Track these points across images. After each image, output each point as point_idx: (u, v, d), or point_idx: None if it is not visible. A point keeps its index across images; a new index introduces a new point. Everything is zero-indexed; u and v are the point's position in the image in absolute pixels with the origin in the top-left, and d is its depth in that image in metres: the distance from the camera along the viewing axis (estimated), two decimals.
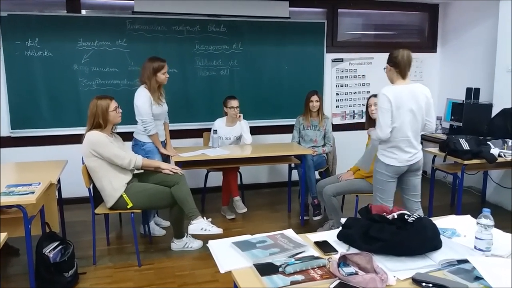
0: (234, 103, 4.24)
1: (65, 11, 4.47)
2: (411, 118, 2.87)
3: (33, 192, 2.59)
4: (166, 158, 3.88)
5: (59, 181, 3.35)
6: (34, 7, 4.42)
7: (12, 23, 4.20)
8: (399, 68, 2.87)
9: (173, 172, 3.33)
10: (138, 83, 3.65)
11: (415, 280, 1.50)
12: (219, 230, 3.21)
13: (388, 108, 2.82)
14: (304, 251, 1.76)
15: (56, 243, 2.86)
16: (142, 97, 3.53)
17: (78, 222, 4.04)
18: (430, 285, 1.46)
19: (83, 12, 4.55)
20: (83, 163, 3.17)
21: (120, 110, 3.21)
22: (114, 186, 3.13)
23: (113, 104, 3.15)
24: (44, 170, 3.18)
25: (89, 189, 3.18)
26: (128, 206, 3.15)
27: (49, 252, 2.76)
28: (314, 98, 4.28)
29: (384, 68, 2.99)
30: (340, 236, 1.86)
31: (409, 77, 2.92)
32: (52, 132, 4.46)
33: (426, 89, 2.93)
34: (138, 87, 3.62)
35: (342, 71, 5.42)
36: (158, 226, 3.87)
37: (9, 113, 4.32)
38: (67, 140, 4.42)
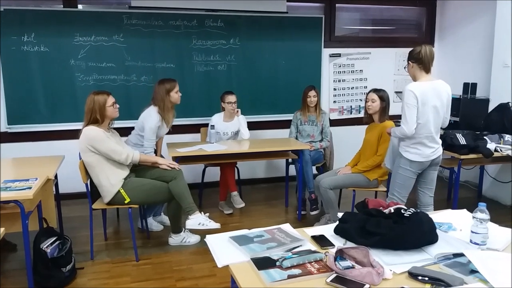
0: (232, 98, 4.23)
1: (62, 6, 4.44)
2: (435, 115, 2.90)
3: (30, 188, 2.58)
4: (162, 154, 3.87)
5: (56, 176, 3.34)
6: (30, 2, 4.39)
7: (8, 18, 4.18)
8: (423, 64, 2.87)
9: (171, 167, 3.33)
10: (150, 103, 3.60)
11: (411, 274, 1.51)
12: (216, 225, 3.22)
13: (415, 104, 2.83)
14: (301, 245, 1.77)
15: (54, 239, 2.86)
16: (152, 121, 3.48)
17: (76, 217, 4.04)
18: (426, 278, 1.47)
19: (80, 7, 4.51)
20: (80, 158, 3.17)
21: (117, 106, 3.20)
22: (111, 181, 3.13)
23: (111, 100, 3.13)
24: (41, 166, 3.17)
25: (86, 184, 3.17)
26: (126, 202, 3.15)
27: (46, 247, 2.76)
28: (312, 93, 4.27)
29: (405, 67, 3.01)
30: (337, 231, 1.87)
31: (432, 73, 2.93)
32: (49, 127, 4.45)
33: (447, 86, 2.95)
34: (148, 107, 3.58)
35: (340, 66, 5.42)
36: (155, 222, 3.86)
37: (6, 109, 4.30)
38: (64, 136, 4.41)
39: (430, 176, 3.09)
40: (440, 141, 3.04)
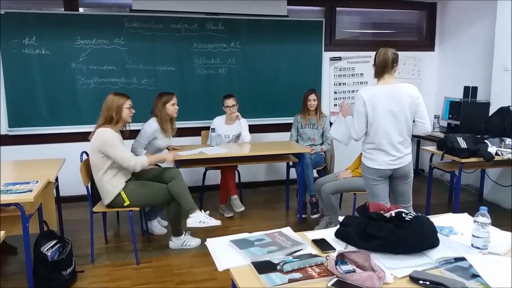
0: (229, 102, 4.23)
1: (63, 9, 4.45)
2: (391, 119, 2.72)
3: (31, 191, 2.58)
4: None
5: (57, 179, 3.34)
6: (32, 5, 4.40)
7: (10, 21, 4.19)
8: (378, 68, 2.75)
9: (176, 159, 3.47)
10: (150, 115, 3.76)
11: (412, 278, 1.50)
12: (217, 222, 3.23)
13: (363, 112, 2.73)
14: (302, 249, 1.77)
15: (54, 242, 2.85)
16: (149, 126, 3.68)
17: (76, 220, 4.03)
18: (428, 283, 1.46)
19: (81, 10, 4.53)
20: (81, 161, 3.17)
21: (133, 111, 3.25)
22: (113, 183, 3.13)
23: (129, 102, 3.21)
24: (42, 169, 3.17)
25: (87, 187, 3.17)
26: (125, 204, 3.15)
27: (47, 250, 2.75)
28: (312, 97, 4.28)
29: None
30: (337, 234, 1.86)
31: (393, 77, 2.76)
32: (49, 130, 4.46)
33: (412, 88, 2.75)
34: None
35: (340, 70, 5.42)
36: (159, 226, 3.85)
37: (7, 112, 4.31)
38: (65, 139, 4.42)
39: (399, 188, 2.91)
40: (406, 150, 2.81)
